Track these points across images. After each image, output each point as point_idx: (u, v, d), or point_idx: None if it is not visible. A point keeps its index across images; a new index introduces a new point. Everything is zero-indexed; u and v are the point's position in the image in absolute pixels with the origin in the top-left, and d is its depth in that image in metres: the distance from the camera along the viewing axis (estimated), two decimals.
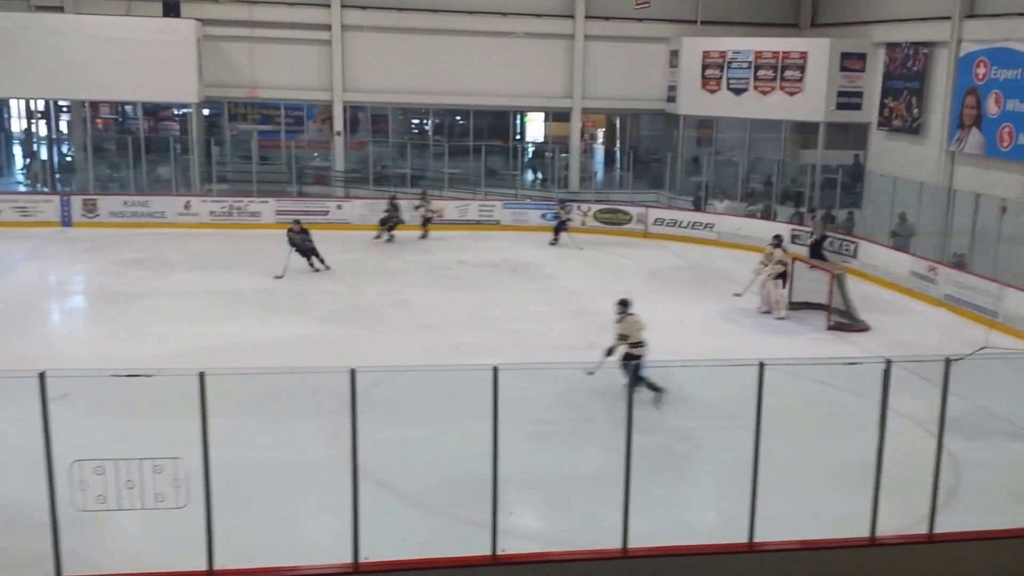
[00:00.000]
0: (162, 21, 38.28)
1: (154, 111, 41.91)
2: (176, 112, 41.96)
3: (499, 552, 10.90)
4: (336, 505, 11.18)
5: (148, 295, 26.18)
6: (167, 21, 38.31)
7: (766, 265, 26.17)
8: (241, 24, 40.59)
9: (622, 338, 18.74)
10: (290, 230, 29.69)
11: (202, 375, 9.77)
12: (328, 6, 41.14)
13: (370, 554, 10.63)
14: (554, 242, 35.32)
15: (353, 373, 10.34)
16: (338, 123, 42.37)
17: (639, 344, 18.70)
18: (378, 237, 35.03)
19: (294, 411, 17.18)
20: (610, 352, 18.64)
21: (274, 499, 14.36)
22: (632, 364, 17.84)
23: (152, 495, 10.11)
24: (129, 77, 37.27)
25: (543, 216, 38.09)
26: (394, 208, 35.18)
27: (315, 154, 43.64)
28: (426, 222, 35.93)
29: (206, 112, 42.27)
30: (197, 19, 38.73)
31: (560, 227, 35.48)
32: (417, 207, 36.04)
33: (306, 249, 29.65)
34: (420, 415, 17.56)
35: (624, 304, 19.19)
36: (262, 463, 15.39)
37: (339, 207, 38.04)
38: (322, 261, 29.74)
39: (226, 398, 14.40)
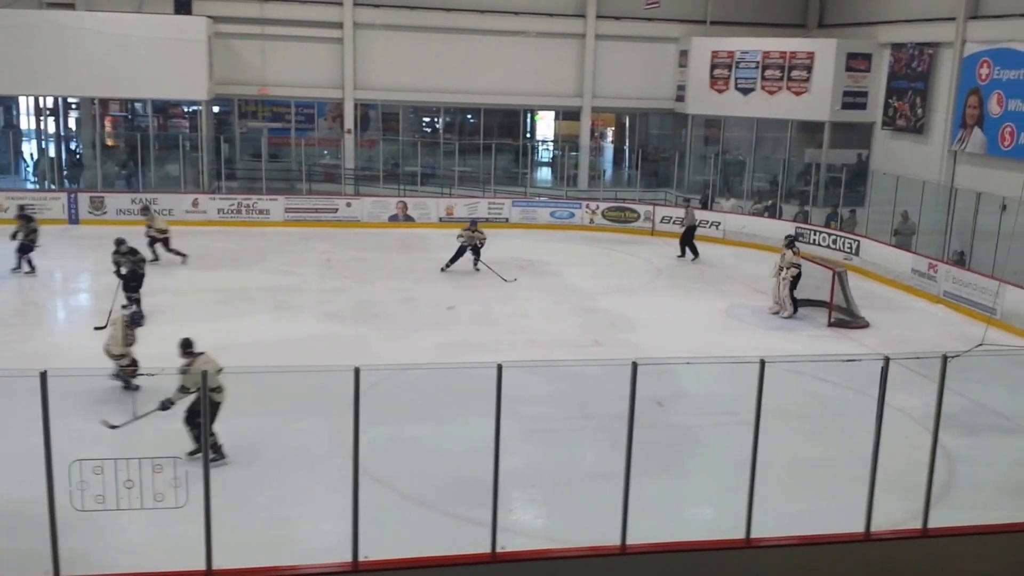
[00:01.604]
0: (173, 18, 38.44)
1: (164, 108, 41.81)
2: (186, 109, 41.94)
3: (499, 550, 10.98)
4: (336, 504, 11.26)
5: (154, 293, 25.91)
6: (178, 18, 38.49)
7: (782, 268, 26.27)
8: (252, 22, 40.78)
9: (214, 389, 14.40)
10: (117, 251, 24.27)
11: (204, 374, 9.86)
12: (340, 4, 41.37)
13: (370, 553, 10.66)
14: (477, 267, 30.22)
15: (357, 372, 10.38)
16: (349, 121, 42.54)
17: (218, 390, 14.48)
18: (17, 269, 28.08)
19: (297, 410, 17.19)
20: (166, 406, 14.62)
21: (274, 498, 14.43)
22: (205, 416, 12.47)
23: (151, 495, 10.18)
24: (139, 74, 37.39)
25: (552, 214, 38.45)
26: (27, 220, 28.33)
27: (325, 152, 43.80)
28: (154, 243, 29.70)
29: (216, 110, 42.44)
30: (208, 16, 38.91)
31: (475, 250, 30.22)
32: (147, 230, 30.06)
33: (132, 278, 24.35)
34: (423, 413, 17.65)
35: (189, 344, 15.42)
36: (263, 462, 15.51)
37: (348, 205, 38.10)
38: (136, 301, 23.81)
39: (229, 397, 14.64)
